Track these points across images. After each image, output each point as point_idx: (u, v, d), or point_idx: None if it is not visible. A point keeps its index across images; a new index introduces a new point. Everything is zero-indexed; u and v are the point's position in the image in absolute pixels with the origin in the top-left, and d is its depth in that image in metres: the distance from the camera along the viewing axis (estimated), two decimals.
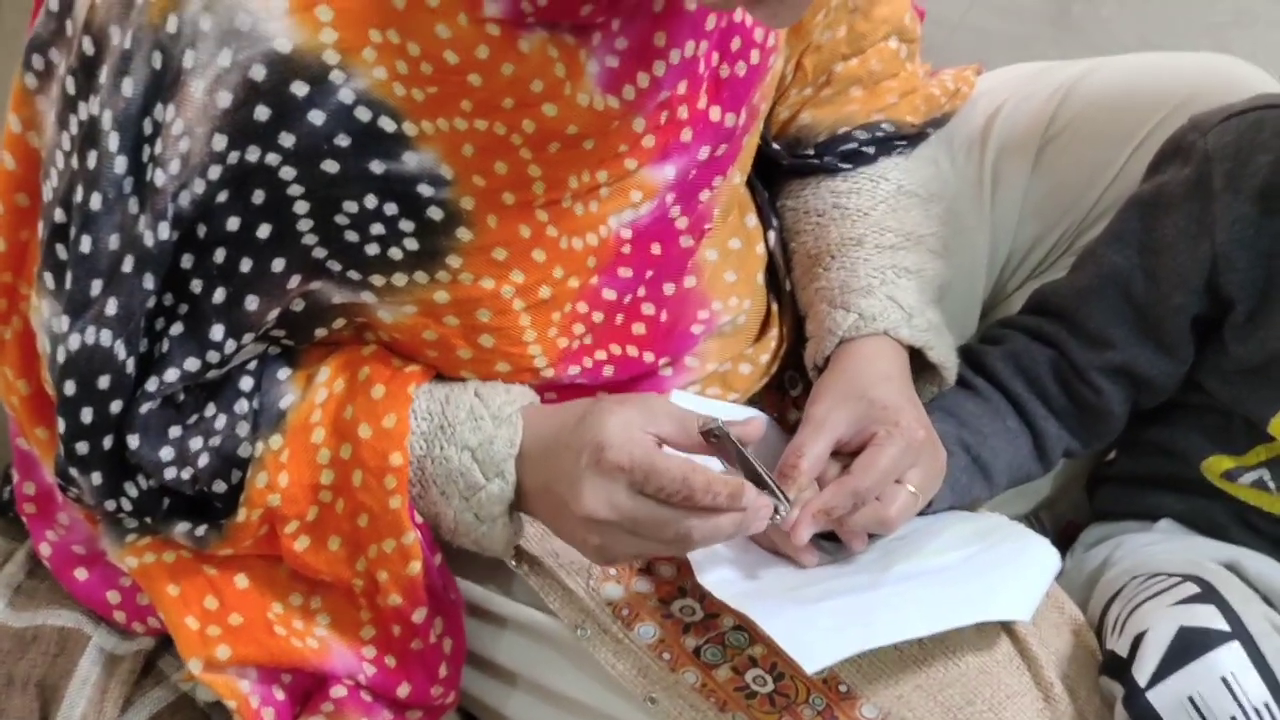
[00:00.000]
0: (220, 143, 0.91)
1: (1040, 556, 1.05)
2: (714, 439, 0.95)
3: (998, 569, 1.03)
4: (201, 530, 1.02)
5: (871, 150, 1.16)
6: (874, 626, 0.96)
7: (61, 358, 0.95)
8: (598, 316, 1.05)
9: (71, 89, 0.92)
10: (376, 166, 0.93)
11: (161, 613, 1.04)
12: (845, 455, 1.03)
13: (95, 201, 0.91)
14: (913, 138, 1.19)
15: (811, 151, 1.16)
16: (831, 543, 1.05)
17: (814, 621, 0.96)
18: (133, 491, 1.00)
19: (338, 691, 1.04)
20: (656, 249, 1.05)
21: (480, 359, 1.02)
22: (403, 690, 1.04)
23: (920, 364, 1.11)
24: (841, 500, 1.00)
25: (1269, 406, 1.08)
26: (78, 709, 1.07)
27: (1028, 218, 1.23)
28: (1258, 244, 1.06)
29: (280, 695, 1.04)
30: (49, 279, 0.94)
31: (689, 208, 1.05)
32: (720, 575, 1.00)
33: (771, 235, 1.16)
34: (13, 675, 1.08)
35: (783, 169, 1.18)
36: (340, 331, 1.03)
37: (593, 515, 0.94)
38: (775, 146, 1.17)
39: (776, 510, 0.96)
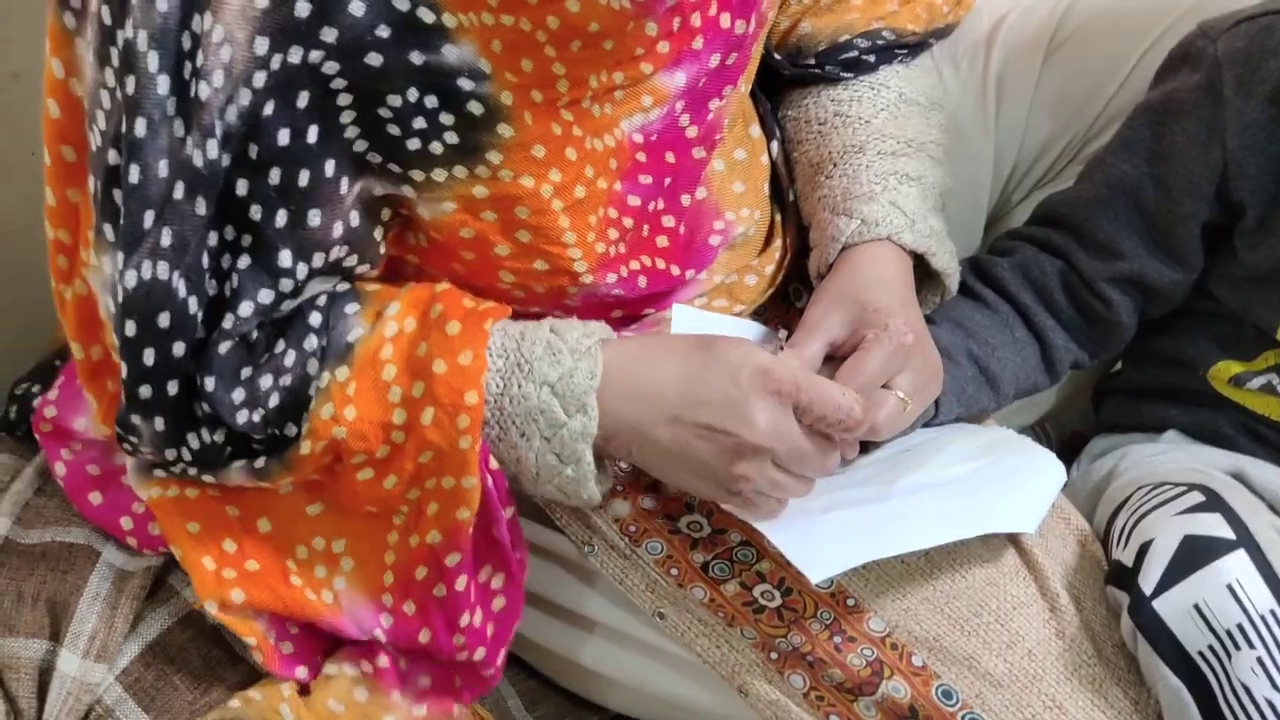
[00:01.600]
0: (262, 46, 0.88)
1: (1046, 469, 1.05)
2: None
3: (1004, 482, 1.03)
4: (261, 462, 0.99)
5: (872, 59, 1.15)
6: (879, 538, 0.96)
7: (120, 296, 0.91)
8: (628, 221, 1.03)
9: (107, 18, 0.88)
10: (416, 58, 0.91)
11: (176, 548, 1.03)
12: (838, 360, 1.02)
13: (140, 127, 0.88)
14: (914, 46, 1.17)
15: (812, 61, 1.15)
16: None
17: (819, 533, 0.96)
18: (194, 443, 0.98)
19: (381, 661, 1.03)
20: (671, 157, 1.04)
21: (518, 254, 1.00)
22: (424, 636, 1.01)
23: (922, 273, 1.11)
24: (828, 399, 0.97)
25: (1278, 312, 1.08)
26: (88, 624, 1.07)
27: (1033, 127, 1.23)
28: (1269, 149, 1.05)
29: (295, 631, 1.04)
30: (108, 230, 0.91)
31: (699, 117, 1.04)
32: None
33: (774, 145, 1.15)
34: (22, 591, 1.08)
35: (784, 79, 1.17)
36: (389, 226, 1.00)
37: (760, 442, 0.93)
38: (777, 57, 1.15)
39: None
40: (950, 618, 0.99)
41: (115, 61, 0.88)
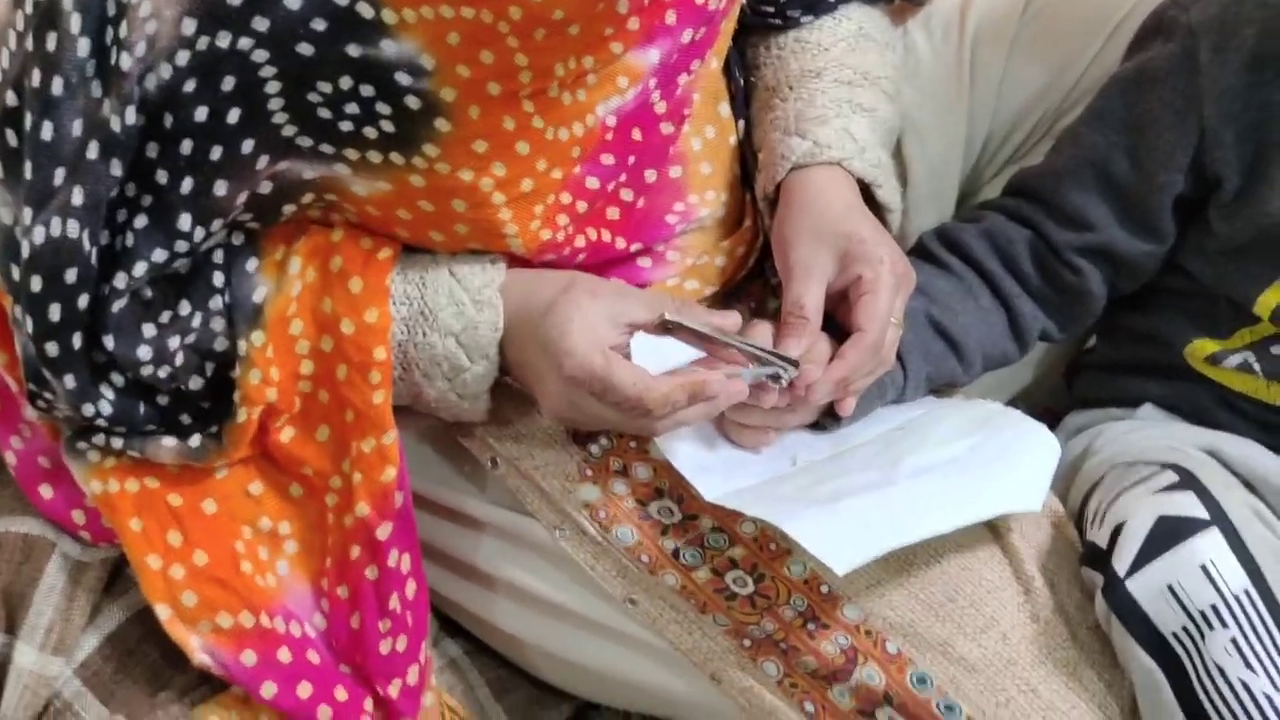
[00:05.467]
0: (190, 26, 0.89)
1: (1042, 444, 1.05)
2: (668, 328, 0.96)
3: (1005, 459, 1.02)
4: (196, 441, 1.01)
5: None
6: (898, 525, 0.95)
7: (26, 252, 0.92)
8: (581, 206, 1.03)
9: None
10: (353, 50, 0.91)
11: (124, 547, 1.02)
12: (828, 299, 1.02)
13: (56, 86, 0.88)
14: None
15: (772, 10, 1.14)
16: (830, 419, 1.05)
17: (836, 522, 0.95)
18: (110, 394, 0.98)
19: (340, 694, 1.03)
20: (637, 134, 1.03)
21: (453, 242, 1.01)
22: (354, 621, 1.02)
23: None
24: (865, 359, 0.99)
25: (1254, 285, 1.07)
26: (44, 617, 1.06)
27: (1006, 100, 1.22)
28: (1245, 117, 1.04)
29: (251, 659, 1.02)
30: None
31: (668, 92, 1.03)
32: (727, 488, 0.99)
33: (742, 125, 1.14)
34: None
35: (745, 26, 1.16)
36: (308, 209, 1.01)
37: (556, 414, 1.00)
38: None
39: (778, 376, 0.97)
40: (924, 603, 0.99)
41: (30, 9, 0.89)
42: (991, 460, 1.02)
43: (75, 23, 0.88)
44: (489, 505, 1.08)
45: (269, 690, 1.01)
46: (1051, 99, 1.20)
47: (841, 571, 0.92)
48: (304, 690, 1.02)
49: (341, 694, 1.02)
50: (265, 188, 0.98)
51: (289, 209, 1.00)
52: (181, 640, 1.01)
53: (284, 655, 1.02)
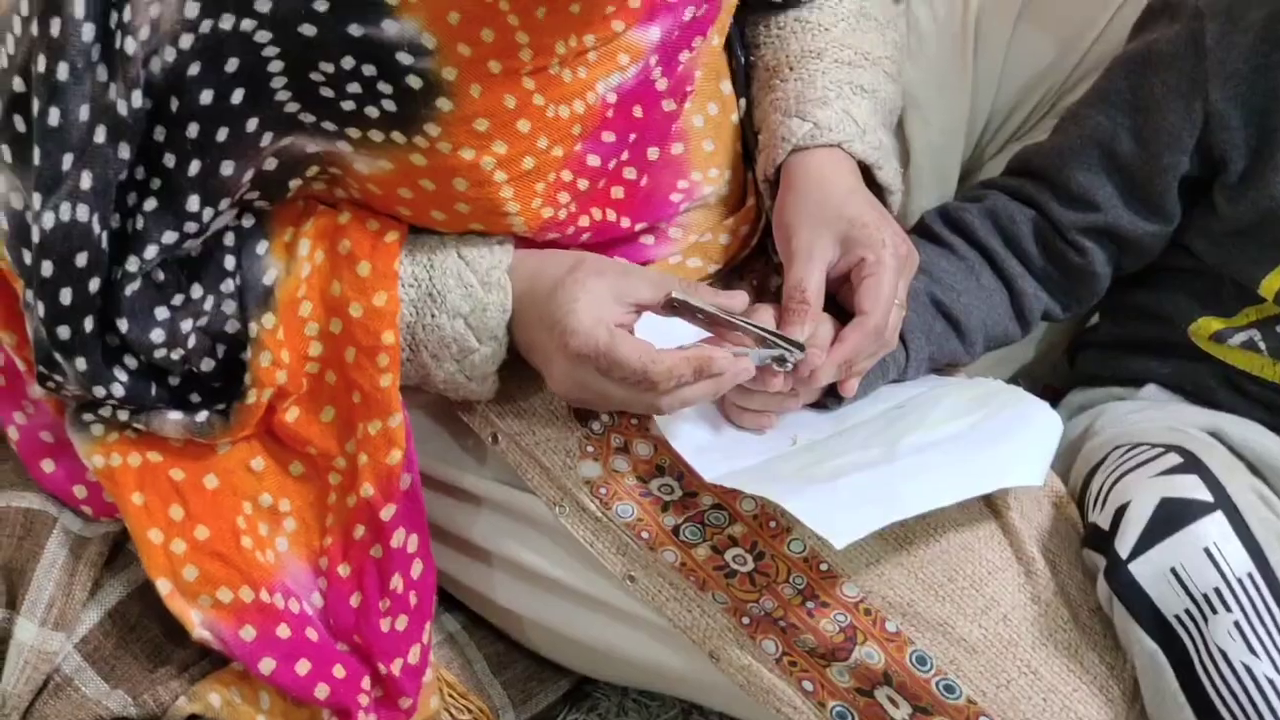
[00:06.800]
0: (193, 10, 0.89)
1: (1043, 420, 1.04)
2: (673, 307, 0.96)
3: (1006, 436, 1.02)
4: (202, 416, 1.01)
5: None
6: (897, 499, 0.95)
7: (36, 237, 0.92)
8: (583, 184, 1.03)
9: None
10: (355, 30, 0.91)
11: (126, 521, 1.03)
12: (830, 281, 1.02)
13: (62, 71, 0.89)
14: None
15: None
16: (832, 399, 1.05)
17: (836, 499, 0.95)
18: (122, 376, 0.99)
19: (338, 671, 1.03)
20: (638, 111, 1.03)
21: (455, 222, 1.01)
22: (354, 599, 1.03)
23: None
24: (867, 342, 0.99)
25: (1259, 267, 1.07)
26: (45, 592, 1.06)
27: (1008, 78, 1.21)
28: (1251, 101, 1.04)
29: (250, 635, 1.03)
30: (6, 152, 0.92)
31: (669, 69, 1.03)
32: (727, 467, 0.99)
33: (743, 103, 1.14)
34: None
35: (746, 4, 1.15)
36: (313, 182, 1.01)
37: (564, 392, 0.99)
38: None
39: (784, 359, 0.96)
40: (925, 583, 0.98)
41: None
42: (993, 436, 1.01)
43: (79, 7, 0.88)
44: (489, 481, 1.08)
45: (267, 666, 1.01)
46: (1055, 75, 1.19)
47: (840, 545, 0.92)
48: (302, 667, 1.02)
49: (340, 671, 1.03)
50: (270, 164, 0.98)
51: (295, 184, 1.01)
52: (182, 615, 1.02)
53: (283, 631, 1.02)
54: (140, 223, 0.95)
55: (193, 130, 0.93)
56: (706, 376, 0.94)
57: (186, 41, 0.90)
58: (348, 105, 0.94)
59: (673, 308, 0.96)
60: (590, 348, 0.94)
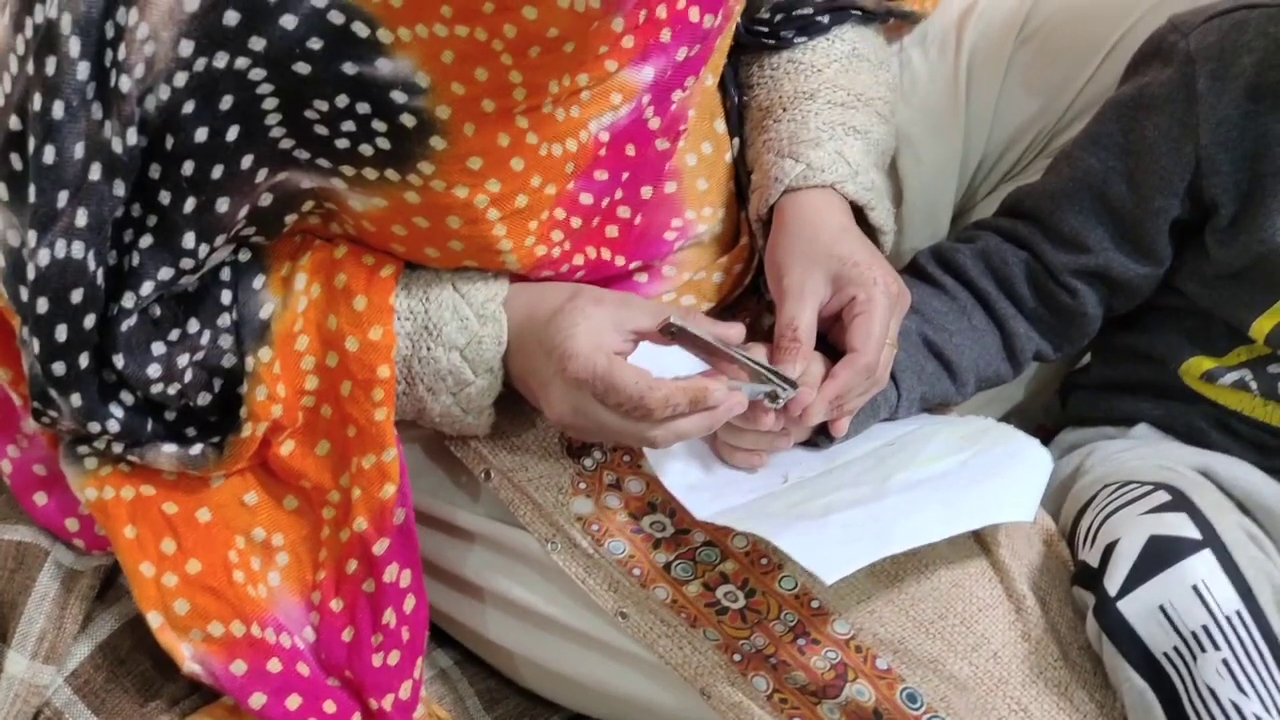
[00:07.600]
0: (187, 48, 0.89)
1: (1034, 457, 1.05)
2: (671, 333, 0.96)
3: (997, 472, 1.02)
4: (196, 449, 1.01)
5: (825, 20, 1.15)
6: (887, 535, 0.95)
7: (32, 274, 0.92)
8: (576, 222, 1.03)
9: None
10: (349, 69, 0.92)
11: (118, 555, 1.03)
12: (822, 320, 1.02)
13: (57, 110, 0.89)
14: (868, 13, 1.17)
15: (766, 16, 1.15)
16: (823, 437, 1.05)
17: (825, 534, 0.95)
18: (118, 411, 0.99)
19: (329, 707, 1.03)
20: (631, 150, 1.03)
21: (448, 259, 1.02)
22: (347, 634, 1.03)
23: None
24: (857, 380, 1.00)
25: (1250, 310, 1.07)
26: (36, 625, 1.06)
27: (1001, 118, 1.22)
28: (1241, 146, 1.04)
29: (241, 669, 1.02)
30: (2, 189, 0.92)
31: (662, 108, 1.04)
32: (717, 506, 0.99)
33: (736, 143, 1.14)
34: None
35: (739, 44, 1.16)
36: (309, 217, 1.01)
37: (560, 420, 0.99)
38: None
39: (776, 395, 0.97)
40: (915, 620, 0.98)
41: (30, 34, 0.89)
42: (984, 472, 1.02)
43: (75, 46, 0.88)
44: (482, 517, 1.08)
45: (258, 701, 1.01)
46: (1047, 118, 1.20)
47: (830, 580, 0.92)
48: (293, 702, 1.01)
49: (331, 707, 1.02)
50: (266, 200, 0.98)
51: (290, 219, 1.01)
52: (172, 648, 1.01)
53: (274, 666, 1.02)
54: (136, 259, 0.96)
55: (188, 168, 0.93)
56: (702, 409, 0.95)
57: (181, 79, 0.90)
58: (342, 143, 0.95)
59: (670, 334, 0.97)
60: (588, 372, 0.94)
